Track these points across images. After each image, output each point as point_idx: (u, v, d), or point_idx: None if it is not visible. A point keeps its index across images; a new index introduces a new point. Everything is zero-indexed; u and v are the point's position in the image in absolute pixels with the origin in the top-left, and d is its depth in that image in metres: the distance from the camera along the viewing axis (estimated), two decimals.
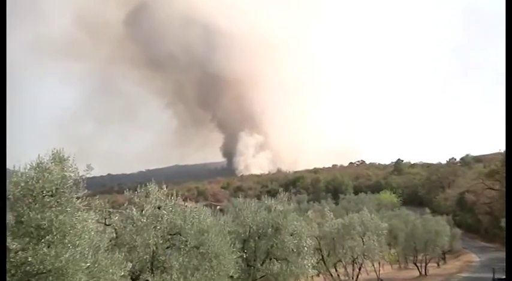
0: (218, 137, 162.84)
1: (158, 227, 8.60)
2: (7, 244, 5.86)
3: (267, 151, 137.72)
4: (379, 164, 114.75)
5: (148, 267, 8.45)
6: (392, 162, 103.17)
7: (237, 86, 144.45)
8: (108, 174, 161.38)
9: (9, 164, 6.58)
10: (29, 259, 5.89)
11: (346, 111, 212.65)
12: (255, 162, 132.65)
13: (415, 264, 30.90)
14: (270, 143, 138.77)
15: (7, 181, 6.30)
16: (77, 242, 6.32)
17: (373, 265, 26.21)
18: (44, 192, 6.36)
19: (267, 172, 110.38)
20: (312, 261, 12.47)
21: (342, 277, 21.40)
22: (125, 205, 9.11)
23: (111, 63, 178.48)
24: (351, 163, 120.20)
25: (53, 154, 6.79)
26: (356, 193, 62.12)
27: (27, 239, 6.08)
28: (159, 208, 8.87)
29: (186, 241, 8.93)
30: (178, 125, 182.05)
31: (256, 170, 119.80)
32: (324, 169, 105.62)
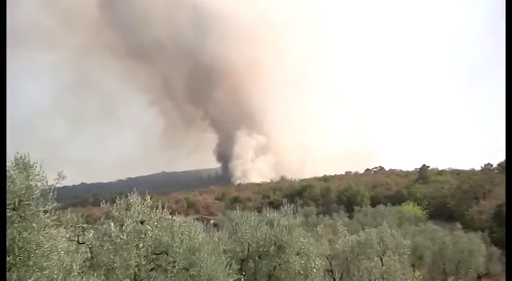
0: (211, 139, 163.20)
1: (141, 246, 8.59)
2: None
3: (269, 154, 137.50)
4: (400, 170, 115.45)
5: None
6: (416, 168, 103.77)
7: (233, 77, 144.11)
8: (82, 183, 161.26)
9: None
10: None
11: (361, 108, 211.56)
12: (254, 167, 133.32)
13: None
14: (272, 145, 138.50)
15: None
16: (44, 264, 6.24)
17: None
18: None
19: (268, 180, 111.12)
20: None
21: None
22: (102, 219, 9.11)
23: (85, 54, 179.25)
24: (367, 169, 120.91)
25: (15, 160, 6.71)
26: (373, 204, 62.31)
27: None
28: (142, 222, 8.88)
29: (174, 262, 8.90)
30: (165, 125, 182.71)
31: (256, 178, 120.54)
32: (335, 176, 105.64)
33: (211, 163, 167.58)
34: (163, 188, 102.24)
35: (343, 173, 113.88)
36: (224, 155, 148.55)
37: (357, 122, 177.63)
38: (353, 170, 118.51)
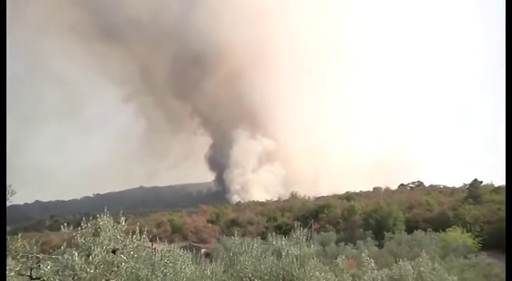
0: (203, 143, 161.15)
1: None
2: None
3: (276, 163, 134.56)
4: (444, 187, 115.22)
5: None
6: (465, 184, 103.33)
7: (229, 64, 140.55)
8: (37, 201, 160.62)
9: None
10: None
11: (394, 107, 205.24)
12: (257, 180, 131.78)
13: None
14: (280, 151, 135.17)
15: None
16: None
17: None
18: None
19: (275, 198, 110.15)
20: None
21: None
22: (62, 247, 9.01)
23: (42, 34, 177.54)
24: (401, 185, 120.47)
25: None
26: (410, 230, 61.79)
27: None
28: (114, 251, 8.84)
29: None
30: (145, 127, 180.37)
31: (259, 194, 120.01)
32: (361, 193, 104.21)
33: (202, 176, 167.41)
34: (142, 207, 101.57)
35: (371, 190, 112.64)
36: (219, 164, 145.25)
37: (388, 125, 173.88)
38: (383, 186, 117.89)
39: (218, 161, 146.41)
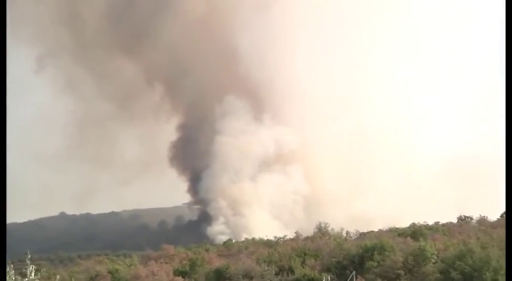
0: (168, 135, 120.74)
1: None
2: None
3: (293, 169, 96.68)
4: None
5: None
6: None
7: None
8: None
9: None
10: None
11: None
12: (259, 198, 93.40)
13: None
14: (300, 150, 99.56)
15: None
16: None
17: None
18: None
19: (291, 233, 79.56)
20: None
21: None
22: None
23: None
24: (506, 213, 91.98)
25: None
26: None
27: None
28: None
29: None
30: (72, 109, 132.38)
31: (263, 225, 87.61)
32: (436, 227, 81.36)
33: (166, 193, 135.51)
34: (64, 248, 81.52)
35: (454, 221, 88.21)
36: (195, 171, 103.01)
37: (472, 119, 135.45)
38: (474, 215, 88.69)
39: (194, 167, 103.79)
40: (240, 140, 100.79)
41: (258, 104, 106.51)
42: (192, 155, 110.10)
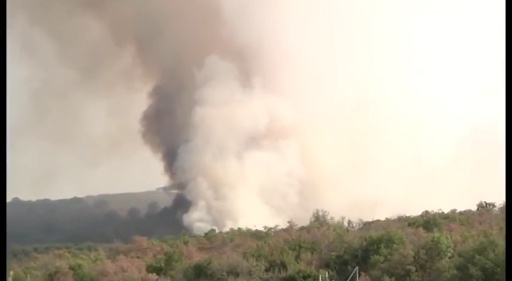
0: (139, 104, 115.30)
1: None
2: None
3: (287, 146, 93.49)
4: None
5: None
6: None
7: None
8: None
9: None
10: None
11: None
12: (247, 181, 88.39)
13: None
14: (295, 125, 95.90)
15: None
16: None
17: None
18: None
19: (284, 223, 75.92)
20: None
21: None
22: None
23: None
24: None
25: None
26: None
27: None
28: None
29: None
30: (28, 76, 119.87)
31: (251, 212, 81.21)
32: (453, 215, 79.22)
33: (138, 176, 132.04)
34: (18, 240, 74.89)
35: (473, 209, 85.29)
36: (170, 148, 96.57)
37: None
38: (497, 203, 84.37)
39: (170, 143, 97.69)
40: (224, 110, 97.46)
41: (246, 68, 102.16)
42: (169, 129, 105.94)
